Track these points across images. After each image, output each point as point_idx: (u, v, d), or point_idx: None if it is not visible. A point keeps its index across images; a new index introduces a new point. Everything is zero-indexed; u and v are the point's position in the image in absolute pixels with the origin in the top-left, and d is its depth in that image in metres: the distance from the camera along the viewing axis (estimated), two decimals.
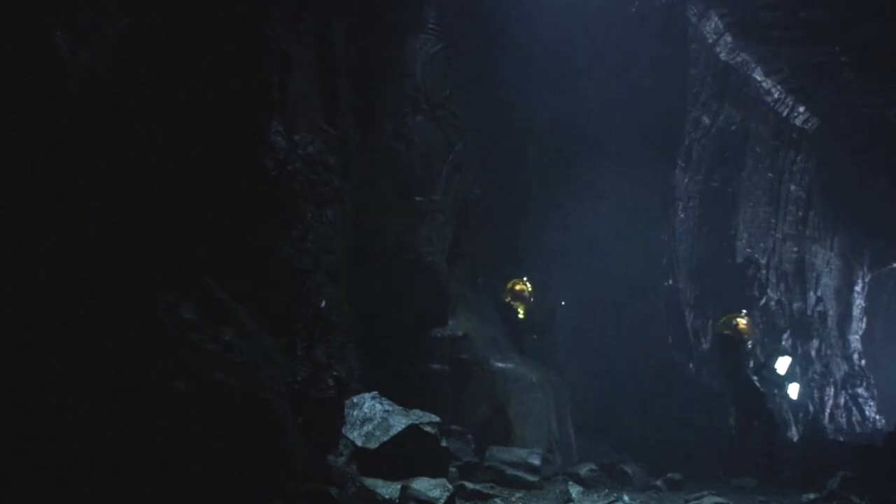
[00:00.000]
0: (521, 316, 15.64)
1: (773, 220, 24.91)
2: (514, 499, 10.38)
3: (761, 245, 24.28)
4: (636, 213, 18.76)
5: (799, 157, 25.46)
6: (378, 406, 9.83)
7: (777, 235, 25.18)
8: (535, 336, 16.02)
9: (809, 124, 25.01)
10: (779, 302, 25.08)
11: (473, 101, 14.81)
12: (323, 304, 9.22)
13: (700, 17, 19.54)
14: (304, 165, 10.12)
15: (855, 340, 30.42)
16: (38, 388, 5.02)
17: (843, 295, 29.81)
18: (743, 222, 23.23)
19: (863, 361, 30.34)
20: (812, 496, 12.05)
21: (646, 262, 19.19)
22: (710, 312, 21.10)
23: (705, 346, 20.88)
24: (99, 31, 5.52)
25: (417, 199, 12.70)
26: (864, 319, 31.28)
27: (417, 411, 10.03)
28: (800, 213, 26.31)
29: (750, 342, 17.60)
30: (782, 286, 25.51)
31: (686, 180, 20.94)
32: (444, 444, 10.12)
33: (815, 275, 27.46)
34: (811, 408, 25.12)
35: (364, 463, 8.99)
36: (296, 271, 7.87)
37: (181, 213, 5.97)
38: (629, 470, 13.70)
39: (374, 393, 10.08)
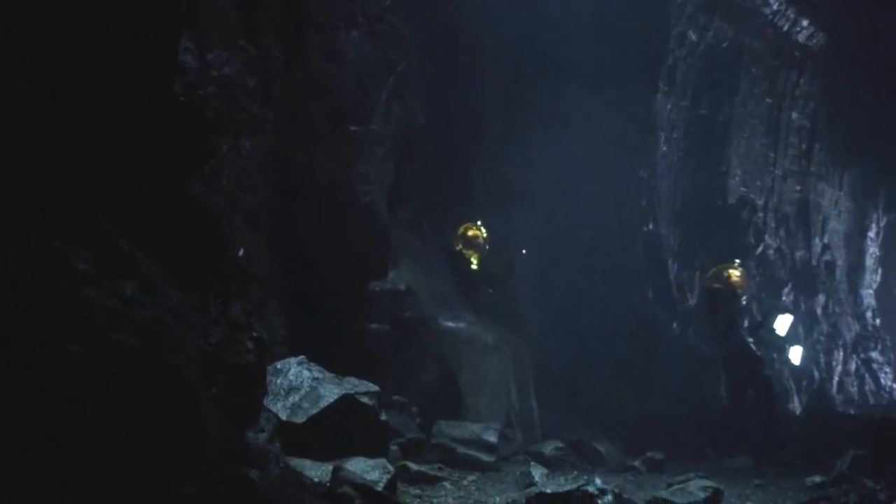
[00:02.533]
0: (474, 266, 15.74)
1: (772, 154, 25.03)
2: (465, 482, 10.45)
3: (758, 183, 24.42)
4: (610, 145, 18.79)
5: (802, 80, 25.54)
6: (306, 373, 9.88)
7: (776, 172, 25.31)
8: (490, 290, 16.15)
9: (814, 41, 25.01)
10: (778, 250, 25.26)
11: (418, 13, 14.79)
12: (241, 252, 9.26)
13: None
14: (218, 89, 10.11)
15: (868, 296, 30.59)
16: None
17: (855, 242, 29.92)
18: (736, 156, 23.35)
19: (877, 321, 30.51)
20: (817, 479, 12.10)
21: (621, 202, 19.28)
22: (698, 262, 21.28)
23: (692, 301, 21.06)
24: None
25: (352, 128, 12.71)
26: (879, 271, 31.39)
27: (352, 379, 10.10)
28: (803, 146, 26.42)
29: (744, 297, 17.77)
30: (782, 231, 25.69)
31: (669, 106, 21.04)
32: (383, 417, 10.21)
33: (820, 218, 27.62)
34: (816, 375, 25.35)
35: (290, 440, 9.00)
36: (209, 214, 7.84)
37: (72, 145, 5.93)
38: (602, 448, 13.88)
39: (302, 357, 10.12)
